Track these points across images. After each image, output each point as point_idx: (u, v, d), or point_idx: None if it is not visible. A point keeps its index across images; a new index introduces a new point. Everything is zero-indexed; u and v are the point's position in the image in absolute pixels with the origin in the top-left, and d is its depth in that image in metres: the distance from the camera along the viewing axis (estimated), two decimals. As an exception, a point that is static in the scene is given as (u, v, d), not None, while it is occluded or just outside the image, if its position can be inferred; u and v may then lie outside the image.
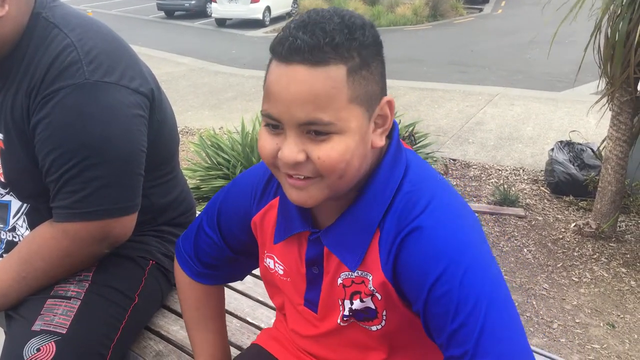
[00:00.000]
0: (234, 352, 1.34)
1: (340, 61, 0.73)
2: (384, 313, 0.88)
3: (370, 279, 0.86)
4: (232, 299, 1.56)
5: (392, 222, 0.82)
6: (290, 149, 0.75)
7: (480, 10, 18.31)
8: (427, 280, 0.77)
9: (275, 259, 0.99)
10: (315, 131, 0.74)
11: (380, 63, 0.79)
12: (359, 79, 0.74)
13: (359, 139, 0.76)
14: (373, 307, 0.88)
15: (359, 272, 0.87)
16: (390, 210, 0.83)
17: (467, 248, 0.78)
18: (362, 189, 0.84)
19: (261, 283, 1.64)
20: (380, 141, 0.81)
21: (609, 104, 3.57)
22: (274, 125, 0.77)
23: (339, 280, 0.90)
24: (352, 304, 0.90)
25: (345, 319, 0.92)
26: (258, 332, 1.40)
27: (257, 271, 1.66)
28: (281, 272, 0.99)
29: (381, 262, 0.84)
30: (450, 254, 0.77)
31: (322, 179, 0.77)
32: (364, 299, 0.88)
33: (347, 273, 0.88)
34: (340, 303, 0.92)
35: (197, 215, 1.62)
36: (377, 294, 0.86)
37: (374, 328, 0.91)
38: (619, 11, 3.21)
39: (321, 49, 0.72)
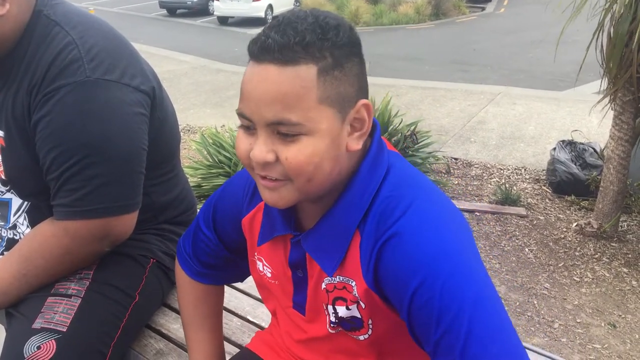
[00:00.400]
0: (234, 350, 1.34)
1: (311, 61, 0.72)
2: (370, 322, 0.87)
3: (354, 285, 0.84)
4: (232, 298, 1.56)
5: (372, 227, 0.80)
6: (260, 149, 0.75)
7: (483, 9, 18.28)
8: (408, 289, 0.76)
9: (264, 261, 0.99)
10: (284, 132, 0.73)
11: (357, 65, 0.78)
12: (330, 79, 0.73)
13: (329, 142, 0.75)
14: (359, 316, 0.87)
15: (340, 278, 0.85)
16: (369, 215, 0.81)
17: (448, 254, 0.75)
18: (341, 192, 0.83)
19: (262, 282, 1.64)
20: (357, 145, 0.79)
21: (611, 104, 3.57)
22: (247, 125, 0.77)
23: (322, 285, 0.89)
24: (335, 310, 0.89)
25: (332, 326, 0.91)
26: (257, 331, 1.40)
27: (257, 270, 1.66)
28: (269, 274, 0.99)
29: (362, 269, 0.82)
30: (430, 261, 0.75)
31: (292, 182, 0.76)
32: (350, 307, 0.86)
33: (329, 278, 0.87)
34: (325, 308, 0.91)
35: (197, 213, 1.63)
36: (361, 302, 0.85)
37: (361, 337, 0.90)
38: (622, 11, 3.20)
39: (291, 48, 0.71)
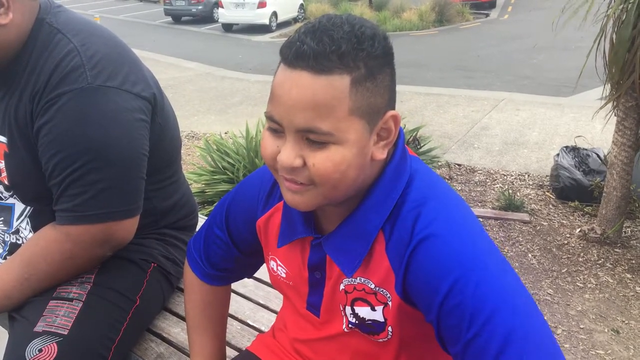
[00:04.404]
0: (234, 354, 1.35)
1: (345, 71, 0.72)
2: (391, 326, 0.88)
3: (372, 286, 0.86)
4: (233, 302, 1.56)
5: (401, 231, 0.81)
6: (288, 154, 0.75)
7: (487, 15, 18.29)
8: (440, 290, 0.76)
9: (278, 261, 1.00)
10: (313, 139, 0.74)
11: (389, 76, 0.78)
12: (362, 90, 0.73)
13: (356, 152, 0.75)
14: (382, 319, 0.88)
15: (361, 279, 0.87)
16: (397, 219, 0.82)
17: (479, 256, 0.77)
18: (364, 196, 0.84)
19: (262, 286, 1.65)
20: (382, 154, 0.80)
21: (614, 110, 3.56)
22: (276, 127, 0.77)
23: (341, 286, 0.90)
24: (354, 310, 0.90)
25: (350, 326, 0.92)
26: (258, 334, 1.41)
27: (259, 275, 1.67)
28: (284, 275, 1.00)
29: (393, 272, 0.83)
30: (462, 262, 0.76)
31: (316, 187, 0.77)
32: (376, 307, 0.87)
33: (349, 279, 0.88)
34: (342, 309, 0.92)
35: (199, 218, 1.64)
36: (389, 304, 0.85)
37: (380, 340, 0.91)
38: (624, 16, 3.21)
39: (326, 57, 0.71)
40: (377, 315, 0.88)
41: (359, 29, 0.74)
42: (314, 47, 0.71)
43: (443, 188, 0.85)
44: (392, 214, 0.83)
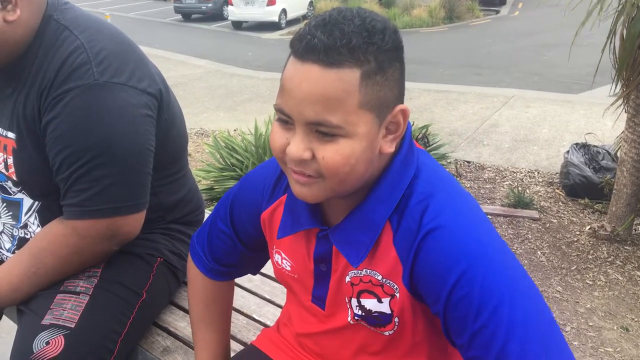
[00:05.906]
0: (239, 348, 1.36)
1: (355, 64, 0.72)
2: (398, 317, 0.88)
3: (379, 277, 0.86)
4: (239, 297, 1.58)
5: (409, 222, 0.82)
6: (297, 146, 0.75)
7: (497, 12, 18.19)
8: (447, 281, 0.77)
9: (283, 254, 1.00)
10: (323, 131, 0.74)
11: (398, 70, 0.78)
12: (372, 84, 0.73)
13: (366, 145, 0.76)
14: (388, 311, 0.88)
15: (367, 271, 0.87)
16: (405, 211, 0.82)
17: (486, 248, 0.77)
18: (371, 188, 0.84)
19: (268, 281, 1.66)
20: (390, 148, 0.80)
21: (624, 106, 3.53)
22: (285, 120, 0.77)
23: (347, 278, 0.90)
24: (360, 302, 0.90)
25: (356, 318, 0.92)
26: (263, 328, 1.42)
27: (264, 270, 1.68)
28: (288, 268, 1.00)
29: (401, 263, 0.83)
30: (470, 254, 0.76)
31: (324, 180, 0.77)
32: (383, 299, 0.87)
33: (355, 271, 0.88)
34: (347, 301, 0.92)
35: (205, 214, 1.65)
36: (396, 295, 0.86)
37: (386, 333, 0.91)
38: (634, 13, 3.18)
39: (337, 50, 0.71)
40: (384, 307, 0.88)
41: (369, 23, 0.74)
42: (324, 40, 0.71)
43: (449, 181, 0.86)
44: (400, 205, 0.83)
